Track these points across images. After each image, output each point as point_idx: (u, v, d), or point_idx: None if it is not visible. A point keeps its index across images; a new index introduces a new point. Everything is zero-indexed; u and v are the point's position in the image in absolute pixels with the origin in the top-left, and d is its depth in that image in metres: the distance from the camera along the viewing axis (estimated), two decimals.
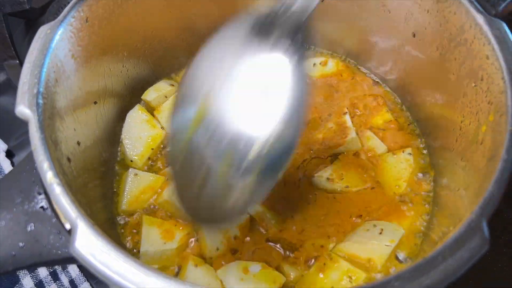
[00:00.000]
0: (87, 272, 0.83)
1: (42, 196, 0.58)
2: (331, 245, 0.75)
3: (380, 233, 0.73)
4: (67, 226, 0.55)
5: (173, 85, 0.94)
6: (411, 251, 0.74)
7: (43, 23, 0.66)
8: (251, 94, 0.48)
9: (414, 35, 0.81)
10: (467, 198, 0.62)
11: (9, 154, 0.98)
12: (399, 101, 0.94)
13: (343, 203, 0.80)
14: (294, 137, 0.48)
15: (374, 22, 0.88)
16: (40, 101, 0.58)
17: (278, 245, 0.75)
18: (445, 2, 0.71)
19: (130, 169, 0.81)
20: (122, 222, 0.78)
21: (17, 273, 0.83)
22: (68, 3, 0.69)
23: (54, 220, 0.56)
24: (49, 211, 0.57)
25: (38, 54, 0.62)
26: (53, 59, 0.63)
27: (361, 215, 0.78)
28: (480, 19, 0.65)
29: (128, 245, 0.76)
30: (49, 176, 0.53)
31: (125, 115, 0.87)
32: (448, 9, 0.71)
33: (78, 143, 0.68)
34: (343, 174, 0.81)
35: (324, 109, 0.91)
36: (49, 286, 0.82)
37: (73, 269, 0.84)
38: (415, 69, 0.86)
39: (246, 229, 0.75)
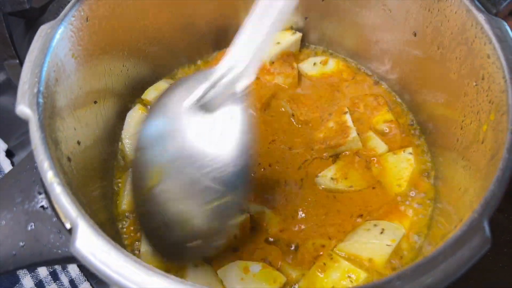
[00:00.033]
0: (87, 272, 0.83)
1: (43, 195, 0.58)
2: (331, 245, 0.75)
3: (381, 232, 0.73)
4: (68, 226, 0.55)
5: None
6: (412, 251, 0.74)
7: (43, 23, 0.66)
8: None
9: (415, 34, 0.81)
10: (468, 197, 0.62)
11: (9, 154, 0.98)
12: (400, 100, 0.93)
13: (343, 203, 0.80)
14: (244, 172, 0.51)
15: (374, 21, 0.89)
16: (41, 100, 0.58)
17: (278, 245, 0.75)
18: (446, 1, 0.71)
19: (131, 169, 0.81)
20: (122, 221, 0.78)
21: (17, 273, 0.83)
22: (69, 2, 0.69)
23: (54, 219, 0.56)
24: (49, 211, 0.57)
25: (39, 53, 0.62)
26: (53, 59, 0.63)
27: (361, 215, 0.78)
28: (481, 18, 0.65)
29: (128, 244, 0.76)
30: (50, 176, 0.53)
31: (125, 115, 0.86)
32: (449, 8, 0.71)
33: (78, 143, 0.68)
34: (346, 174, 0.81)
35: (324, 108, 0.91)
36: (49, 286, 0.82)
37: (73, 269, 0.84)
38: (415, 68, 0.86)
39: (247, 228, 0.75)
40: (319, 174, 0.82)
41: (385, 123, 0.88)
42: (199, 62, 1.00)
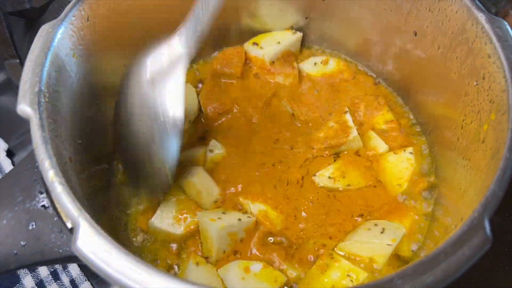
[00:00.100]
0: (88, 272, 0.83)
1: (44, 194, 0.58)
2: (332, 244, 0.75)
3: (382, 232, 0.73)
4: (69, 225, 0.55)
5: None
6: (413, 250, 0.74)
7: (43, 23, 0.66)
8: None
9: (415, 34, 0.81)
10: (469, 196, 0.62)
11: (10, 154, 0.98)
12: (400, 100, 0.94)
13: (343, 202, 0.80)
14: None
15: (375, 21, 0.88)
16: (42, 99, 0.58)
17: (279, 244, 0.75)
18: (446, 1, 0.72)
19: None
20: (123, 221, 0.78)
21: (18, 273, 0.83)
22: (69, 2, 0.69)
23: (55, 218, 0.56)
24: (50, 210, 0.57)
25: (40, 53, 0.62)
26: (54, 58, 0.63)
27: (362, 214, 0.78)
28: (481, 17, 0.65)
29: (129, 244, 0.76)
30: (51, 175, 0.53)
31: None
32: (449, 7, 0.71)
33: (79, 142, 0.68)
34: (344, 173, 0.82)
35: (325, 108, 0.92)
36: (50, 285, 0.82)
37: (73, 269, 0.84)
38: (416, 68, 0.86)
39: (252, 231, 0.76)
40: (317, 173, 0.82)
41: (386, 123, 0.88)
42: (200, 61, 1.00)
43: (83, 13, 0.69)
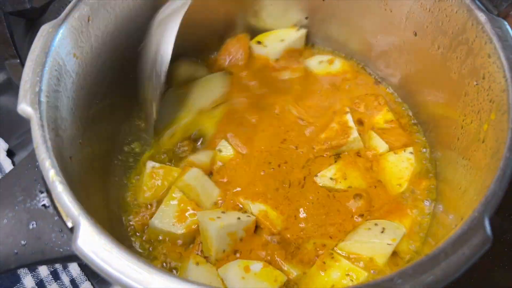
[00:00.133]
0: (88, 271, 0.83)
1: (44, 194, 0.58)
2: (332, 244, 0.75)
3: (382, 232, 0.74)
4: (69, 224, 0.55)
5: None
6: (413, 250, 0.74)
7: (43, 23, 0.66)
8: None
9: (415, 34, 0.82)
10: (468, 196, 0.62)
11: (10, 154, 0.98)
12: (400, 100, 0.94)
13: (343, 202, 0.79)
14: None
15: (375, 21, 0.89)
16: (42, 99, 0.58)
17: (279, 244, 0.75)
18: (446, 1, 0.72)
19: (148, 162, 0.82)
20: (124, 220, 0.78)
21: (18, 273, 0.83)
22: (70, 2, 0.69)
23: (56, 218, 0.56)
24: (51, 209, 0.57)
25: (40, 53, 0.62)
26: (55, 58, 0.63)
27: (362, 214, 0.78)
28: (481, 17, 0.65)
29: (129, 243, 0.76)
30: (51, 174, 0.53)
31: (126, 114, 0.87)
32: (449, 7, 0.72)
33: (80, 142, 0.68)
34: (346, 174, 0.82)
35: (326, 108, 0.91)
36: (50, 285, 0.82)
37: (74, 269, 0.84)
38: (416, 68, 0.86)
39: (251, 230, 0.76)
40: (318, 174, 0.82)
41: (386, 122, 0.88)
42: (199, 62, 1.00)
43: (83, 13, 0.69)
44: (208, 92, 0.92)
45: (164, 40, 0.77)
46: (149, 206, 0.79)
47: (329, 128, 0.86)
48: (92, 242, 0.48)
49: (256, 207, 0.77)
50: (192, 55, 0.98)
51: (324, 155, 0.85)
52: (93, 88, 0.74)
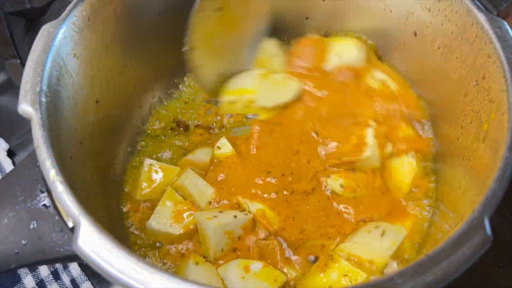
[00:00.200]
0: (89, 271, 0.83)
1: (45, 194, 0.58)
2: (332, 245, 0.74)
3: (382, 235, 0.72)
4: (70, 224, 0.55)
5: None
6: (413, 250, 0.74)
7: (43, 23, 0.66)
8: None
9: (415, 34, 0.82)
10: (468, 196, 0.62)
11: (11, 154, 0.98)
12: None
13: (343, 206, 0.78)
14: None
15: (375, 21, 0.89)
16: (43, 99, 0.58)
17: (279, 244, 0.75)
18: (446, 1, 0.72)
19: (146, 159, 0.82)
20: (124, 220, 0.78)
21: (18, 272, 0.83)
22: (70, 2, 0.69)
23: (56, 217, 0.56)
24: (51, 209, 0.57)
25: (41, 53, 0.62)
26: (55, 58, 0.63)
27: (364, 220, 0.77)
28: (481, 17, 0.65)
29: (131, 243, 0.76)
30: (52, 174, 0.53)
31: (126, 114, 0.87)
32: (449, 7, 0.72)
33: (80, 142, 0.68)
34: (356, 189, 0.78)
35: (350, 120, 0.83)
36: (51, 285, 0.82)
37: (74, 268, 0.84)
38: (416, 68, 0.86)
39: (249, 228, 0.75)
40: (331, 175, 0.79)
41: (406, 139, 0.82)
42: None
43: (84, 13, 0.70)
44: (279, 93, 0.88)
45: None
46: (148, 205, 0.79)
47: (346, 141, 0.80)
48: (93, 242, 0.48)
49: (254, 206, 0.77)
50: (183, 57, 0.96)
51: (335, 169, 0.81)
52: (93, 88, 0.74)
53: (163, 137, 0.90)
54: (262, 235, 0.76)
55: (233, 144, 0.84)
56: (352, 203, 0.78)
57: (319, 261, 0.72)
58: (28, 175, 0.60)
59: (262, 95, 0.88)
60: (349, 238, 0.75)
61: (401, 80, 0.87)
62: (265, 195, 0.79)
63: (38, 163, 0.55)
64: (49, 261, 0.57)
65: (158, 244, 0.76)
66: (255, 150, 0.83)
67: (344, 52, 0.87)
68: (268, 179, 0.80)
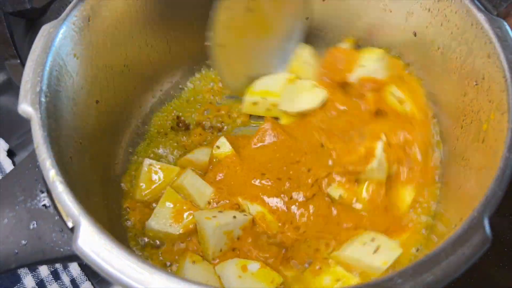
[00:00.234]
0: (89, 271, 0.83)
1: (45, 194, 0.58)
2: (327, 250, 0.74)
3: (375, 251, 0.69)
4: (70, 224, 0.55)
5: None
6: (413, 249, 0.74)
7: (43, 23, 0.66)
8: None
9: (415, 34, 0.82)
10: (468, 196, 0.63)
11: (10, 154, 0.98)
12: None
13: (343, 217, 0.77)
14: None
15: (374, 22, 0.89)
16: (43, 99, 0.59)
17: (276, 246, 0.75)
18: (446, 1, 0.72)
19: (146, 159, 0.82)
20: (124, 220, 0.78)
21: (18, 272, 0.83)
22: (70, 2, 0.69)
23: (56, 217, 0.56)
24: (51, 209, 0.57)
25: (41, 53, 0.62)
26: (55, 58, 0.63)
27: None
28: (481, 17, 0.65)
29: (131, 243, 0.76)
30: (52, 174, 0.53)
31: (127, 114, 0.87)
32: (449, 8, 0.72)
33: (80, 142, 0.68)
34: (358, 199, 0.77)
35: (359, 132, 0.82)
36: (50, 285, 0.82)
37: (74, 268, 0.84)
38: (415, 68, 0.86)
39: (248, 229, 0.75)
40: (333, 184, 0.78)
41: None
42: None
43: (84, 13, 0.70)
44: (304, 100, 0.87)
45: None
46: (147, 205, 0.79)
47: (354, 151, 0.78)
48: (93, 242, 0.48)
49: (254, 208, 0.77)
50: (183, 57, 0.95)
51: (337, 178, 0.78)
52: (93, 88, 0.74)
53: (163, 137, 0.90)
54: (260, 236, 0.76)
55: (232, 143, 0.84)
56: (351, 215, 0.77)
57: (314, 265, 0.72)
58: (28, 175, 0.60)
59: (285, 100, 0.88)
60: (343, 247, 0.72)
61: (420, 102, 0.83)
62: (265, 198, 0.78)
63: (38, 163, 0.55)
64: (49, 261, 0.57)
65: (158, 244, 0.76)
66: (254, 146, 0.84)
67: (368, 62, 0.85)
68: (264, 181, 0.80)
